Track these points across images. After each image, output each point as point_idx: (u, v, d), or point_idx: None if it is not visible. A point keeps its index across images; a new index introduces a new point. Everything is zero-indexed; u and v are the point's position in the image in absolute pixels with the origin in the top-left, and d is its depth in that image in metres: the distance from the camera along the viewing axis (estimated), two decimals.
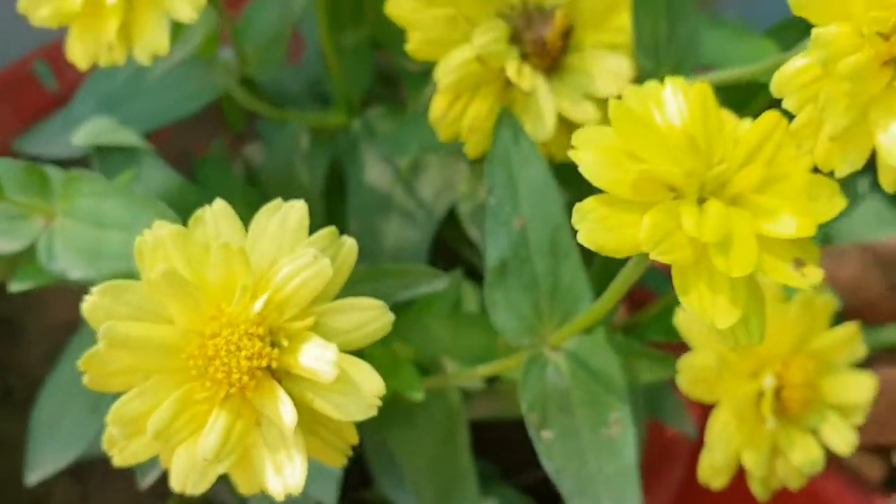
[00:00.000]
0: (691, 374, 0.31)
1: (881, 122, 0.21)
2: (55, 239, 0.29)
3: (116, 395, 0.23)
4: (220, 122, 0.44)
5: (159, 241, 0.23)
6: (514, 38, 0.30)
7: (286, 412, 0.22)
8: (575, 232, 0.21)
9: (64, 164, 0.36)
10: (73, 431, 0.34)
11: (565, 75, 0.30)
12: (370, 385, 0.23)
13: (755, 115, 0.22)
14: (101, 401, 0.30)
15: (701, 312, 0.20)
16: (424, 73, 0.33)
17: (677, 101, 0.22)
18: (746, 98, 0.33)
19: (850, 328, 0.32)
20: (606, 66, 0.30)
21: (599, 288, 0.27)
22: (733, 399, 0.30)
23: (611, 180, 0.21)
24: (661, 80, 0.30)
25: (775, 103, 0.22)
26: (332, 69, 0.37)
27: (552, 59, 0.30)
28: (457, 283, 0.36)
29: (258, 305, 0.22)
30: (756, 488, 0.31)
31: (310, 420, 0.23)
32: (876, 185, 0.50)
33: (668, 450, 0.44)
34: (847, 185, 0.22)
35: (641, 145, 0.21)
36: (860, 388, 0.32)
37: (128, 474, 0.31)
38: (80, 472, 0.42)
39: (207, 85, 0.37)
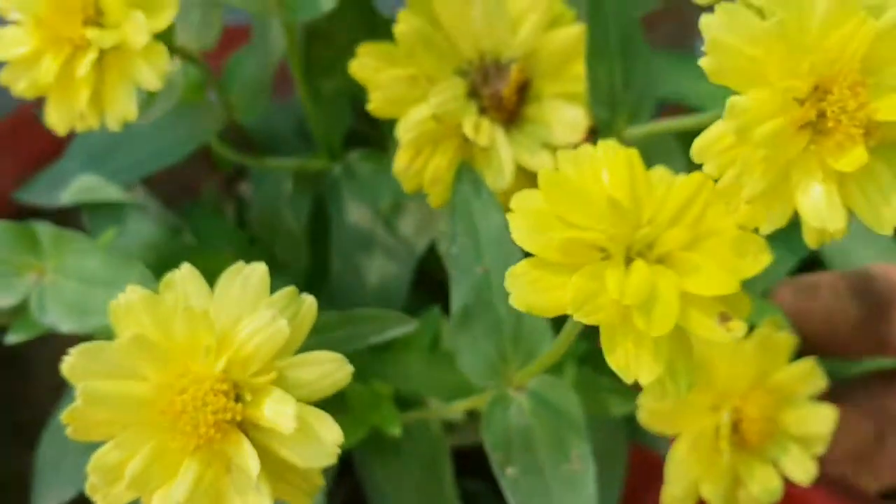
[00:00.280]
0: (651, 409, 0.32)
1: (801, 183, 0.22)
2: (46, 294, 0.31)
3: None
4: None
5: (131, 304, 0.25)
6: (473, 93, 0.31)
7: (251, 461, 0.24)
8: None
9: (62, 212, 0.39)
10: (73, 470, 0.36)
11: (525, 125, 0.32)
12: (330, 434, 0.24)
13: None
14: (97, 444, 0.32)
15: (625, 370, 0.22)
16: None
17: (605, 165, 0.23)
18: None
19: (807, 363, 0.33)
20: (563, 117, 0.32)
21: (560, 328, 0.29)
22: (692, 433, 0.32)
23: (539, 245, 0.22)
24: (618, 128, 0.32)
25: None
26: (311, 116, 0.38)
27: (509, 111, 0.31)
28: (435, 320, 0.37)
29: (220, 364, 0.24)
30: None
31: (276, 466, 0.25)
32: None
33: (652, 472, 0.45)
34: None
35: (570, 209, 0.23)
36: (820, 420, 0.33)
37: None
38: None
39: (195, 131, 0.39)
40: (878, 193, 0.23)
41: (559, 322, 0.31)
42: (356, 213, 0.40)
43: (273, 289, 0.30)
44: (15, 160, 0.50)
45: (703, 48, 0.22)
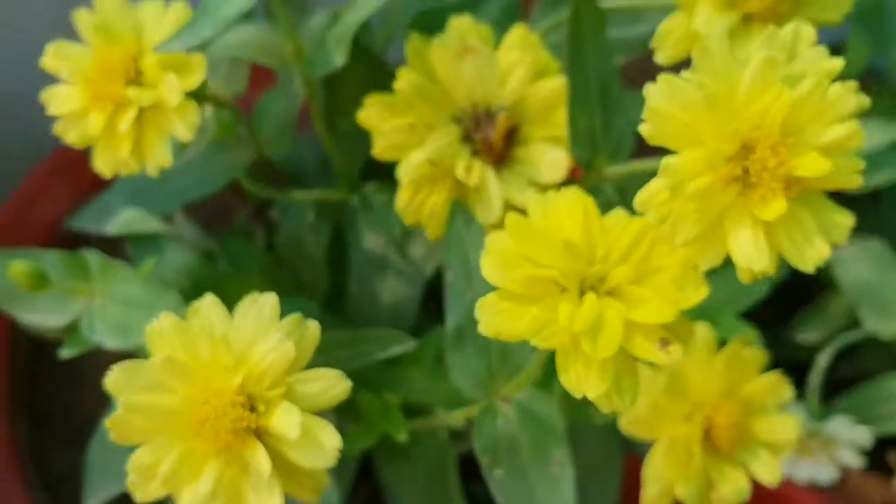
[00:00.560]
0: (630, 418, 0.35)
1: (732, 230, 0.26)
2: (94, 316, 0.35)
3: None
4: None
5: (163, 329, 0.29)
6: (466, 138, 0.35)
7: (264, 463, 0.28)
8: None
9: (108, 240, 0.43)
10: (118, 470, 0.40)
11: (514, 166, 0.36)
12: (330, 441, 0.29)
13: None
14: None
15: (576, 387, 0.25)
16: None
17: (564, 210, 0.27)
18: None
19: (774, 376, 0.36)
20: (548, 158, 0.35)
21: None
22: (667, 438, 0.35)
23: (505, 280, 0.26)
24: (598, 167, 0.35)
25: None
26: (331, 153, 0.43)
27: (498, 154, 0.35)
28: (438, 338, 0.41)
29: (238, 380, 0.28)
30: None
31: (286, 467, 0.29)
32: (876, 226, 0.53)
33: None
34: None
35: (533, 249, 0.26)
36: (787, 428, 0.36)
37: None
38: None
39: (229, 165, 0.43)
40: (802, 237, 0.26)
41: None
42: (371, 240, 0.44)
43: (296, 307, 0.34)
44: (70, 188, 0.56)
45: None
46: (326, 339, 0.32)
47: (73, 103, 0.33)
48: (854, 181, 0.26)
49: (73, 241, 0.51)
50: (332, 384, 0.29)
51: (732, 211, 0.26)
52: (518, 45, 0.35)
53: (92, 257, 0.36)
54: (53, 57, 0.33)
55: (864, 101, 0.26)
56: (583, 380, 0.26)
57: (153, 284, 0.34)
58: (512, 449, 0.34)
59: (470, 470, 0.44)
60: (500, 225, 0.36)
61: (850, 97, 0.25)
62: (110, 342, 0.34)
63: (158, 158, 0.33)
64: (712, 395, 0.35)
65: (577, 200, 0.27)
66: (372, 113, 0.35)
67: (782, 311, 0.60)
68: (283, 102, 0.43)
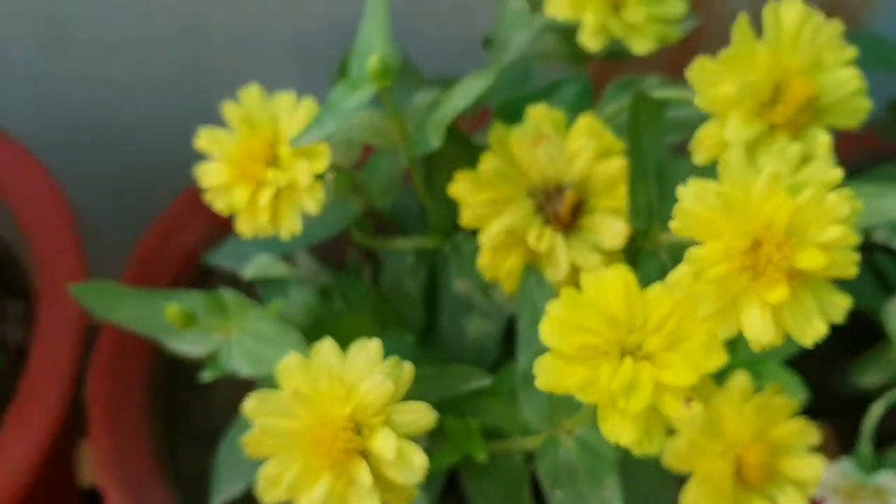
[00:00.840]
0: (671, 453, 0.41)
1: (744, 308, 0.32)
2: (231, 347, 0.43)
3: None
4: None
5: (291, 366, 0.37)
6: (539, 210, 0.42)
7: (366, 477, 0.35)
8: None
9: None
10: (243, 471, 0.48)
11: (580, 233, 0.42)
12: (419, 461, 0.36)
13: None
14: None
15: (612, 435, 0.32)
16: None
17: (610, 285, 0.33)
18: None
19: (801, 422, 0.42)
20: (610, 227, 0.42)
21: None
22: (703, 472, 0.41)
23: (559, 344, 0.33)
24: (654, 235, 0.42)
25: None
26: (428, 208, 0.50)
27: (565, 224, 0.41)
28: (513, 373, 0.48)
29: (348, 410, 0.35)
30: None
31: (383, 481, 0.36)
32: None
33: None
34: None
35: (583, 318, 0.33)
36: (811, 467, 0.42)
37: None
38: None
39: (344, 214, 0.51)
40: (803, 317, 0.32)
41: None
42: (460, 283, 0.51)
43: (397, 342, 0.42)
44: (206, 219, 0.64)
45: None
46: (420, 373, 0.39)
47: (222, 179, 0.41)
48: (850, 271, 0.32)
49: (206, 271, 0.60)
50: (422, 415, 0.37)
51: (745, 293, 0.32)
52: (585, 132, 0.42)
53: (229, 297, 0.44)
54: (206, 140, 0.41)
55: (859, 205, 0.31)
56: (618, 429, 0.32)
57: (280, 323, 0.42)
58: (571, 474, 0.40)
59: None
60: (567, 284, 0.42)
61: (845, 205, 0.31)
62: (244, 370, 0.42)
63: (290, 227, 0.40)
64: (744, 437, 0.41)
65: (621, 277, 0.34)
66: (461, 187, 0.42)
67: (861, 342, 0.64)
68: (389, 164, 0.51)
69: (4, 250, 0.68)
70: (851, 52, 0.36)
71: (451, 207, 0.51)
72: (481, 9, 0.74)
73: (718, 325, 0.32)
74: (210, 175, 0.42)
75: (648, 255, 0.41)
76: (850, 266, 0.32)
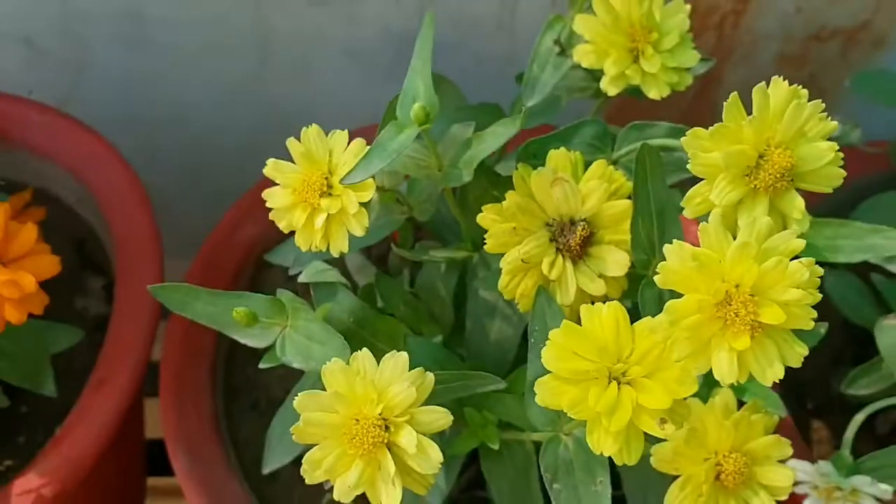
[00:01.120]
0: (658, 457, 0.48)
1: (714, 352, 0.38)
2: (286, 342, 0.50)
3: None
4: None
5: (334, 369, 0.44)
6: (553, 240, 0.48)
7: (391, 465, 0.42)
8: None
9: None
10: (290, 446, 0.56)
11: (588, 261, 0.48)
12: (435, 454, 0.43)
13: None
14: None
15: (596, 447, 0.38)
16: None
17: (604, 318, 0.40)
18: None
19: (774, 437, 0.48)
20: (615, 258, 0.48)
21: None
22: (686, 475, 0.47)
23: (556, 368, 0.39)
24: (654, 267, 0.48)
25: None
26: (461, 223, 0.56)
27: (576, 254, 0.48)
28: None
29: (378, 410, 0.42)
30: None
31: (405, 469, 0.43)
32: None
33: None
34: None
35: (579, 346, 0.39)
36: (782, 477, 0.48)
37: None
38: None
39: (388, 223, 0.57)
40: (765, 361, 0.38)
41: None
42: (485, 288, 0.57)
43: (427, 342, 0.48)
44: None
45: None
46: (444, 375, 0.46)
47: (285, 202, 0.48)
48: (807, 325, 0.37)
49: (264, 262, 0.67)
50: (440, 417, 0.43)
51: (715, 340, 0.38)
52: (597, 175, 0.48)
53: (286, 298, 0.52)
54: (272, 169, 0.48)
55: (819, 270, 0.37)
56: (602, 442, 0.38)
57: (326, 326, 0.49)
58: (568, 470, 0.47)
59: None
60: (573, 305, 0.49)
61: (804, 272, 0.37)
62: (295, 364, 0.50)
63: (339, 246, 0.47)
64: (724, 447, 0.47)
65: (613, 313, 0.40)
66: (487, 217, 0.48)
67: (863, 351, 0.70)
68: (427, 186, 0.57)
69: (88, 231, 0.76)
70: (831, 125, 0.41)
71: (480, 225, 0.57)
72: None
73: (691, 364, 0.38)
74: (275, 198, 0.48)
75: (647, 283, 0.47)
76: (807, 320, 0.37)
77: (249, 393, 0.70)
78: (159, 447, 0.66)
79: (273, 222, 0.68)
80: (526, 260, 0.47)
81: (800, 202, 0.40)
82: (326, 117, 0.90)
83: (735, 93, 0.40)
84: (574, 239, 0.47)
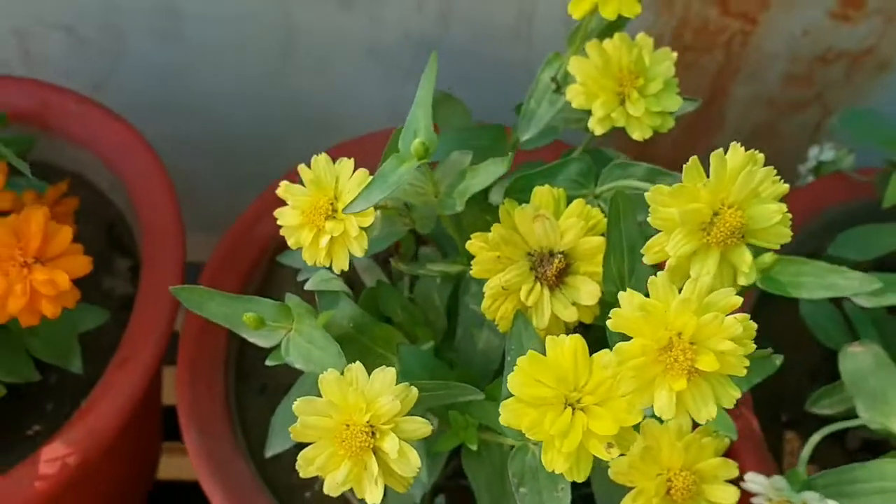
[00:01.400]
0: (615, 470, 0.53)
1: (656, 391, 0.43)
2: (290, 344, 0.56)
3: None
4: None
5: (329, 379, 0.49)
6: (533, 269, 0.53)
7: (375, 467, 0.48)
8: None
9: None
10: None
11: (564, 289, 0.53)
12: (414, 459, 0.48)
13: None
14: None
15: (549, 465, 0.44)
16: None
17: (565, 349, 0.45)
18: None
19: (722, 460, 0.53)
20: (587, 289, 0.53)
21: None
22: (640, 488, 0.53)
23: (519, 392, 0.44)
24: None
25: None
26: (456, 242, 0.61)
27: (552, 283, 0.53)
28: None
29: (366, 417, 0.48)
30: None
31: (387, 470, 0.49)
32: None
33: None
34: None
35: (541, 374, 0.45)
36: (728, 495, 0.53)
37: None
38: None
39: (393, 233, 0.63)
40: (701, 401, 0.43)
41: None
42: (475, 302, 0.63)
43: (419, 351, 0.54)
44: None
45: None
46: (430, 385, 0.52)
47: (293, 221, 0.53)
48: (740, 372, 0.42)
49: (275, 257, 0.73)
50: (421, 426, 0.49)
51: (657, 380, 0.43)
52: (575, 213, 0.53)
53: (292, 304, 0.57)
54: (284, 191, 0.54)
55: (752, 325, 0.42)
56: (554, 461, 0.44)
57: (326, 336, 0.55)
58: (533, 476, 0.53)
59: None
60: (547, 329, 0.54)
61: (738, 326, 0.42)
62: (296, 365, 0.55)
63: (341, 264, 0.53)
64: (675, 465, 0.53)
65: (573, 345, 0.45)
66: (475, 244, 0.53)
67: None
68: (426, 207, 0.62)
69: (118, 215, 0.82)
70: (783, 188, 0.46)
71: None
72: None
73: (636, 399, 0.43)
74: (285, 217, 0.54)
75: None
76: (740, 368, 0.42)
77: (259, 377, 0.76)
78: (174, 414, 0.72)
79: None
80: (506, 287, 0.52)
81: (748, 256, 0.45)
82: (346, 114, 0.95)
83: (695, 157, 0.45)
84: (551, 270, 0.52)
